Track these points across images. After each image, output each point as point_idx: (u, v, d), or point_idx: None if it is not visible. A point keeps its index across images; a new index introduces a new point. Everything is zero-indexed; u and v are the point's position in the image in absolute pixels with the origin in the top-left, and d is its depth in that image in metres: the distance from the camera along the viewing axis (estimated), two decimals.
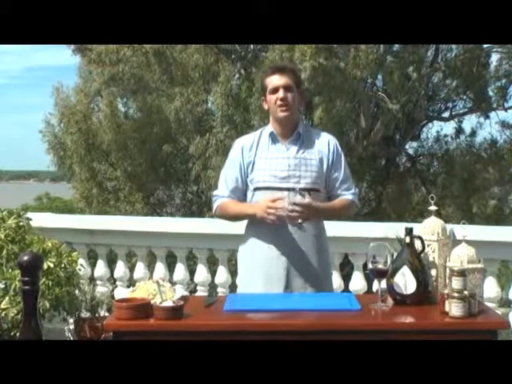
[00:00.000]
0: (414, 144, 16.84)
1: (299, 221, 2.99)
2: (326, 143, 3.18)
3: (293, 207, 2.94)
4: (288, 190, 3.06)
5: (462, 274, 2.47)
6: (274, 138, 3.16)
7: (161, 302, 2.49)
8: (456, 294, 2.43)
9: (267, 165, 3.12)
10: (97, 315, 4.43)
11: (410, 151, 16.89)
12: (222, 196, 3.22)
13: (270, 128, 3.20)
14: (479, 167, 15.23)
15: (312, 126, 11.63)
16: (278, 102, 3.09)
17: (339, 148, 3.21)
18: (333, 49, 12.11)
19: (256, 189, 3.13)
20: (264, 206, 2.98)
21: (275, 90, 3.10)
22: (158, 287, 2.58)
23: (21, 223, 4.29)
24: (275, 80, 3.11)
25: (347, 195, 3.18)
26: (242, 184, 3.18)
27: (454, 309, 2.42)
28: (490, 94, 15.30)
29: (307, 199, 2.98)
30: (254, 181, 3.13)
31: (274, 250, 3.08)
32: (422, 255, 2.69)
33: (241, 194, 3.19)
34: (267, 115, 3.29)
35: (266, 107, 3.22)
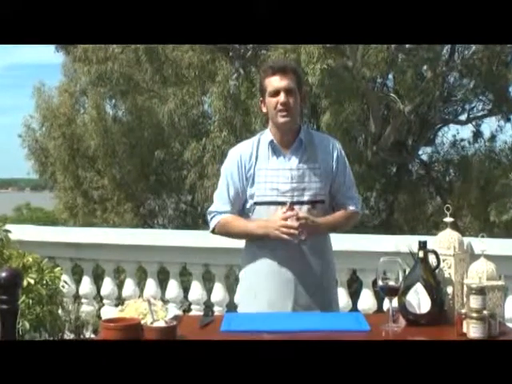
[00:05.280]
0: (428, 149, 16.85)
1: (302, 237, 3.00)
2: (329, 149, 3.18)
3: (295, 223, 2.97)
4: (291, 204, 3.06)
5: (481, 291, 2.46)
6: (274, 148, 3.15)
7: (152, 322, 2.48)
8: (474, 314, 2.42)
9: (268, 178, 3.11)
10: (82, 337, 4.43)
11: (424, 157, 16.90)
12: (220, 212, 3.19)
13: (268, 135, 3.18)
14: (499, 174, 15.23)
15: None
16: (279, 107, 3.08)
17: (343, 152, 3.22)
18: (340, 48, 12.14)
19: (256, 203, 3.13)
20: (276, 224, 2.99)
21: (276, 93, 3.08)
22: (149, 306, 2.58)
23: None
24: (276, 82, 3.09)
25: (350, 205, 3.19)
26: (242, 196, 3.17)
27: (473, 330, 2.42)
28: None
29: (303, 214, 3.01)
30: (255, 195, 3.13)
31: (277, 266, 3.09)
32: (436, 271, 2.69)
33: (241, 207, 3.19)
34: (268, 119, 3.29)
35: (264, 110, 3.19)
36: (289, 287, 3.09)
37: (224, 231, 3.23)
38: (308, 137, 3.19)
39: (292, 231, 2.95)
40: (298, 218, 2.96)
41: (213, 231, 3.25)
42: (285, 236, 2.97)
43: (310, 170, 3.11)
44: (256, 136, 3.26)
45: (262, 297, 3.12)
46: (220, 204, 3.20)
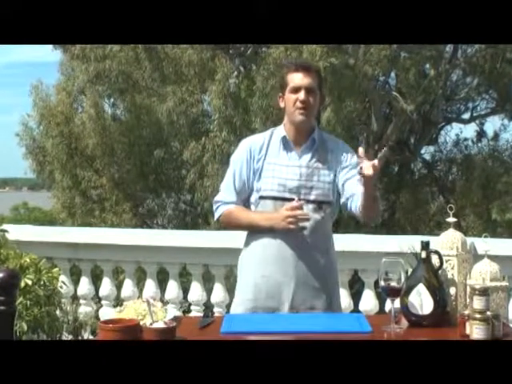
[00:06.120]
0: (431, 148, 16.88)
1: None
2: (341, 152, 3.17)
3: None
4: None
5: (485, 292, 2.46)
6: (285, 144, 3.16)
7: (151, 324, 2.49)
8: (478, 315, 2.43)
9: (276, 172, 3.11)
10: (80, 338, 4.43)
11: (427, 156, 16.93)
12: (226, 202, 3.22)
13: (281, 131, 3.19)
14: (502, 173, 15.23)
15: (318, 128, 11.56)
16: (298, 104, 3.09)
17: (356, 158, 3.20)
18: (342, 46, 12.15)
19: (261, 198, 3.13)
20: (282, 215, 2.99)
21: (296, 90, 3.10)
22: (148, 307, 2.59)
23: None
24: (298, 79, 3.11)
25: None
26: (248, 188, 3.19)
27: (476, 331, 2.42)
28: None
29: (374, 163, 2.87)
30: (261, 189, 3.13)
31: (277, 265, 3.09)
32: (439, 272, 2.69)
33: (246, 199, 3.21)
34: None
35: (281, 105, 3.21)
36: (287, 287, 3.08)
37: (228, 222, 3.25)
38: (321, 138, 3.20)
39: (300, 216, 2.96)
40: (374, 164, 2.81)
41: (217, 220, 3.28)
42: (292, 226, 2.98)
43: (320, 170, 3.12)
44: (269, 130, 3.28)
45: (259, 295, 3.12)
46: (226, 194, 3.22)
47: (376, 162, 2.82)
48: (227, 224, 3.30)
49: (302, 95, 3.08)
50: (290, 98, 3.13)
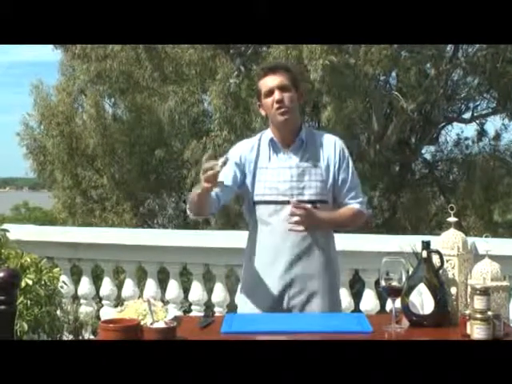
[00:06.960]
0: (432, 148, 16.85)
1: (300, 228, 3.00)
2: (331, 147, 3.17)
3: (292, 211, 2.96)
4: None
5: (485, 292, 2.46)
6: (274, 146, 3.16)
7: (152, 323, 2.49)
8: (478, 315, 2.42)
9: (268, 176, 3.11)
10: (80, 338, 4.43)
11: (427, 156, 16.92)
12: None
13: (269, 134, 3.19)
14: (504, 173, 15.21)
15: (318, 128, 11.69)
16: (275, 105, 3.09)
17: (346, 151, 3.20)
18: (343, 46, 12.15)
19: (256, 203, 3.13)
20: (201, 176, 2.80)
21: (270, 93, 3.11)
22: (149, 307, 2.59)
23: None
24: (269, 81, 3.12)
25: (353, 204, 3.18)
26: (234, 183, 3.12)
27: (477, 331, 2.42)
28: None
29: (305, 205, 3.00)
30: (255, 194, 3.13)
31: (275, 264, 3.09)
32: (440, 272, 2.69)
33: (228, 194, 3.13)
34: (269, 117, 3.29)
35: (263, 113, 3.22)
36: (285, 286, 3.09)
37: (191, 207, 3.10)
38: (309, 136, 3.19)
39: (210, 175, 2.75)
40: (297, 207, 2.96)
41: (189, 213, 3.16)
42: (206, 185, 2.77)
43: (311, 169, 3.11)
44: (258, 134, 3.28)
45: (258, 295, 3.14)
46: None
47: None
48: (192, 210, 3.10)
49: (276, 95, 3.08)
50: (267, 103, 3.14)
